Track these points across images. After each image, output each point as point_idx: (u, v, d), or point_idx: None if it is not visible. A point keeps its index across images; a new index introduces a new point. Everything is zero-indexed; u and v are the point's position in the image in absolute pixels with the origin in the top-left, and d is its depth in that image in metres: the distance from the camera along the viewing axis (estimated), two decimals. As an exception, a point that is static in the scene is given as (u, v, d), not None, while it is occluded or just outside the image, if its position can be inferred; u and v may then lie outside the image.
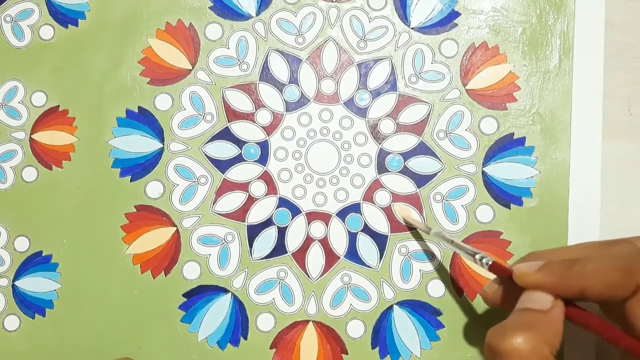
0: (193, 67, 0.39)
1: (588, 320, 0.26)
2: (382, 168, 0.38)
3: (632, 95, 0.39)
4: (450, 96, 0.38)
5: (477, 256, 0.31)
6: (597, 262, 0.26)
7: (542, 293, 0.27)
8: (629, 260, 0.26)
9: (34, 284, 0.38)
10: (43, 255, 0.38)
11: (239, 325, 0.37)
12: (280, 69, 0.39)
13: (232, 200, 0.38)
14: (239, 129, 0.39)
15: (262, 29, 0.39)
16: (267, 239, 0.38)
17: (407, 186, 0.38)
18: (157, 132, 0.39)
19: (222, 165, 0.38)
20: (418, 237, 0.38)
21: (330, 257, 0.38)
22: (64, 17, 0.40)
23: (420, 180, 0.38)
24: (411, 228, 0.37)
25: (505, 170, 0.38)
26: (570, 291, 0.26)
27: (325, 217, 0.38)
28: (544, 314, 0.26)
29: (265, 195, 0.38)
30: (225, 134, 0.39)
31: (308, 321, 0.37)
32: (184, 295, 0.37)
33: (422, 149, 0.38)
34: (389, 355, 0.37)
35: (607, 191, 0.38)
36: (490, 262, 0.30)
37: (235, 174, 0.38)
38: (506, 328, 0.25)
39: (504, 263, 0.31)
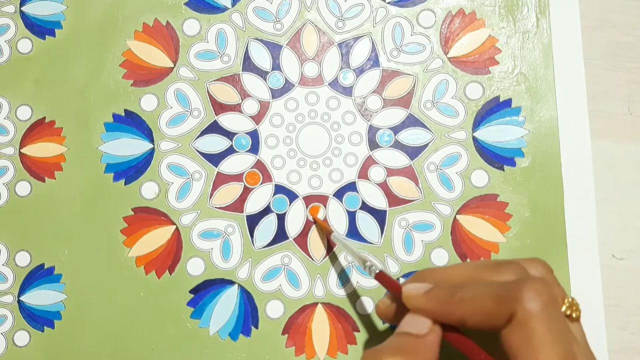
0: (175, 65, 0.39)
1: (465, 345, 0.26)
2: (373, 144, 0.38)
3: (632, 95, 0.39)
4: (433, 66, 0.39)
5: (367, 263, 0.31)
6: (476, 289, 0.26)
7: (421, 317, 0.27)
8: (503, 287, 0.25)
9: (40, 297, 0.38)
10: (45, 267, 0.38)
11: (248, 315, 0.37)
12: (261, 57, 0.39)
13: (229, 192, 0.38)
14: (227, 121, 0.39)
15: (240, 20, 0.39)
16: (267, 227, 0.38)
17: (400, 159, 0.38)
18: (146, 132, 0.39)
19: (215, 158, 0.38)
20: (417, 209, 0.38)
21: (329, 239, 0.38)
22: (40, 29, 0.40)
23: (413, 152, 0.38)
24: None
25: (495, 133, 0.38)
26: (452, 319, 0.26)
27: (322, 199, 0.38)
28: (419, 338, 0.26)
29: (261, 183, 0.38)
30: (214, 128, 0.39)
31: (317, 303, 0.37)
32: (191, 291, 0.37)
33: (411, 121, 0.38)
34: (400, 329, 0.37)
35: (606, 192, 0.38)
36: (377, 271, 0.30)
37: (229, 166, 0.38)
38: (380, 352, 0.25)
39: (390, 276, 0.30)
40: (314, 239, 0.38)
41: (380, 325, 0.37)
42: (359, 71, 0.39)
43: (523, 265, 0.27)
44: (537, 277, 0.26)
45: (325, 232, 0.37)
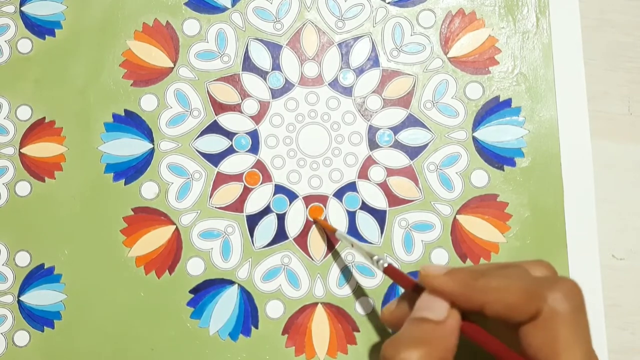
0: (174, 65, 0.39)
1: (480, 336, 0.25)
2: (373, 144, 0.38)
3: (632, 95, 0.39)
4: (433, 66, 0.39)
5: (375, 258, 0.31)
6: (502, 280, 0.25)
7: (439, 300, 0.25)
8: (533, 282, 0.24)
9: (40, 298, 0.38)
10: (45, 267, 0.38)
11: (248, 315, 0.37)
12: (261, 57, 0.39)
13: (229, 192, 0.38)
14: (227, 121, 0.39)
15: (240, 20, 0.39)
16: (267, 227, 0.38)
17: (400, 159, 0.38)
18: (146, 132, 0.39)
19: (215, 158, 0.38)
20: (417, 209, 0.38)
21: (332, 238, 0.38)
22: (40, 29, 0.40)
23: (413, 152, 0.38)
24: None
25: (495, 133, 0.38)
26: (472, 304, 0.25)
27: (322, 199, 0.38)
28: (438, 325, 0.25)
29: (261, 183, 0.38)
30: (214, 128, 0.39)
31: (317, 303, 0.37)
32: (191, 291, 0.37)
33: (411, 121, 0.38)
34: (400, 329, 0.37)
35: (606, 192, 0.38)
36: (386, 265, 0.29)
37: (229, 166, 0.38)
38: (400, 342, 0.24)
39: (399, 270, 0.30)
40: (314, 239, 0.38)
41: (380, 325, 0.37)
42: (359, 71, 0.39)
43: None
44: (569, 279, 0.25)
45: (329, 232, 0.37)
